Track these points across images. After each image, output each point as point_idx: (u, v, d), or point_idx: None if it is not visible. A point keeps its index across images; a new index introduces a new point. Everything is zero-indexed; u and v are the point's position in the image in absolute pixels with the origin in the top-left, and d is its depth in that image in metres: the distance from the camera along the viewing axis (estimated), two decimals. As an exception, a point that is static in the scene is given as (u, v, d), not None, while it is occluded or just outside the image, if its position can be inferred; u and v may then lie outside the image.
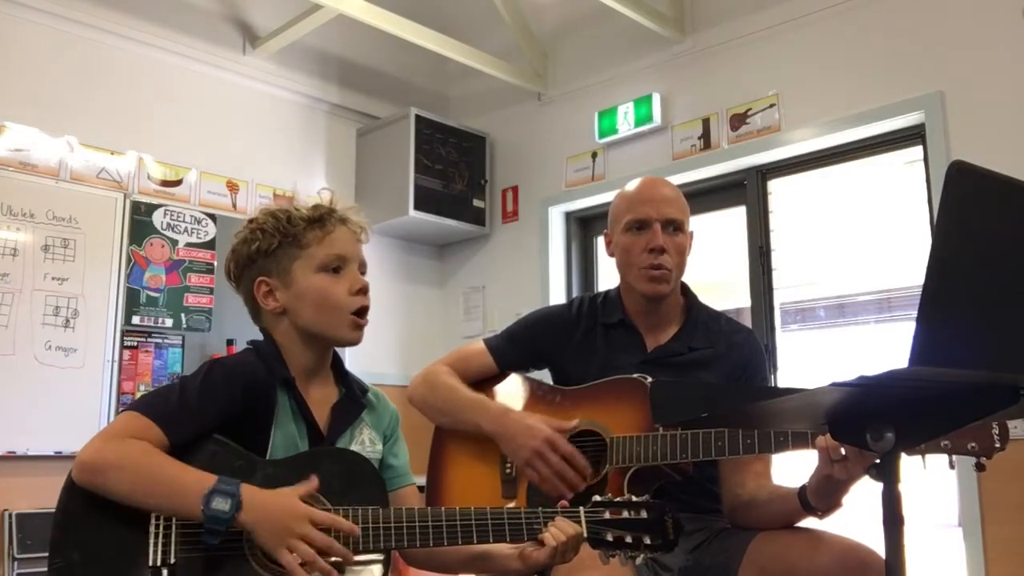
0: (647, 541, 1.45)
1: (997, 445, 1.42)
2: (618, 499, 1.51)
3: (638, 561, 1.45)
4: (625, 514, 1.48)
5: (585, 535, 1.47)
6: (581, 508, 1.50)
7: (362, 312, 1.53)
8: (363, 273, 1.57)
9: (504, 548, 1.53)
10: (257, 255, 1.53)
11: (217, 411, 1.42)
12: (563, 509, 1.51)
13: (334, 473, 1.44)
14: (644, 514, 1.47)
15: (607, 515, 1.48)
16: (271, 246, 1.52)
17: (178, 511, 1.31)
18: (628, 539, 1.45)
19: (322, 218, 1.53)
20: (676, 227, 1.86)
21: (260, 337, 1.58)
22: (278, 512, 1.31)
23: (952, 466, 1.43)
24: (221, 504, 1.28)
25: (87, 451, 1.33)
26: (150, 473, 1.32)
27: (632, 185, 1.94)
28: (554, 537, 1.45)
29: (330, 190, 1.66)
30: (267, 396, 1.48)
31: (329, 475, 1.43)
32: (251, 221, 1.57)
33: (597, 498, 1.52)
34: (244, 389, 1.45)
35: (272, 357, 1.52)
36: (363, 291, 1.54)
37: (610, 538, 1.46)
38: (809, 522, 1.62)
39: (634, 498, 1.50)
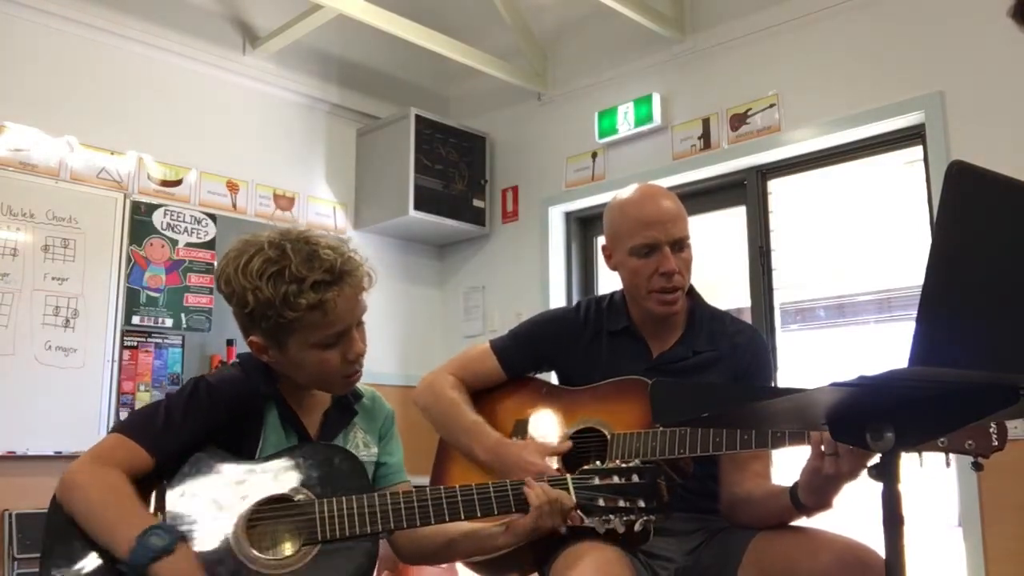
0: (642, 504, 1.44)
1: (995, 444, 1.42)
2: (608, 465, 1.49)
3: (637, 527, 1.44)
4: (616, 479, 1.47)
5: (575, 502, 1.46)
6: (568, 476, 1.50)
7: (355, 373, 1.52)
8: (363, 315, 1.51)
9: (489, 525, 1.53)
10: (252, 316, 1.45)
11: (202, 428, 1.44)
12: (551, 477, 1.51)
13: (316, 467, 1.44)
14: (636, 478, 1.46)
15: (596, 481, 1.47)
16: (266, 317, 1.42)
17: (112, 539, 1.30)
18: (622, 503, 1.44)
19: (322, 303, 1.41)
20: (683, 244, 1.85)
21: None
22: None
23: (948, 464, 1.43)
24: (156, 540, 1.28)
25: (69, 469, 1.37)
26: (104, 501, 1.33)
27: (631, 199, 1.89)
28: (536, 496, 1.45)
29: (344, 240, 1.56)
30: (254, 410, 1.49)
31: (311, 469, 1.44)
32: (247, 264, 1.43)
33: (586, 466, 1.50)
34: (229, 405, 1.46)
35: (259, 372, 1.52)
36: (358, 357, 1.50)
37: (602, 503, 1.45)
38: (807, 522, 1.62)
39: (624, 464, 1.49)
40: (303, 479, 1.42)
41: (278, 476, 1.42)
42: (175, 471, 1.40)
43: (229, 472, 1.41)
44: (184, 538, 1.32)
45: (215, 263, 3.86)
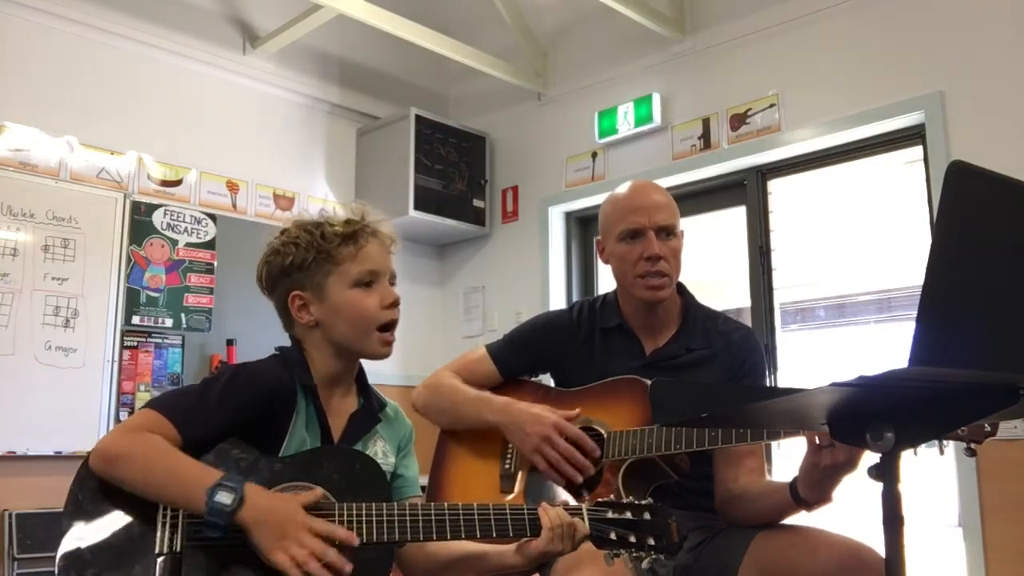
0: (651, 543, 1.45)
1: (987, 429, 1.42)
2: (623, 501, 1.51)
3: (644, 564, 1.45)
4: (628, 515, 1.48)
5: (588, 533, 1.47)
6: (584, 506, 1.51)
7: (392, 325, 1.57)
8: (393, 283, 1.60)
9: (501, 545, 1.54)
10: (291, 268, 1.54)
11: (234, 414, 1.45)
12: (566, 507, 1.51)
13: (338, 471, 1.46)
14: (647, 516, 1.48)
15: (610, 514, 1.49)
16: (305, 261, 1.53)
17: (183, 503, 1.34)
18: (632, 539, 1.46)
19: (355, 234, 1.55)
20: (669, 232, 1.86)
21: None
22: (279, 516, 1.33)
23: (942, 452, 1.43)
24: (224, 498, 1.30)
25: (104, 440, 1.39)
26: (159, 465, 1.35)
27: (621, 192, 1.93)
28: (551, 519, 1.46)
29: (362, 203, 1.66)
30: (287, 402, 1.51)
31: (333, 472, 1.45)
32: (283, 233, 1.58)
33: (601, 499, 1.52)
34: (266, 395, 1.48)
35: (298, 365, 1.54)
36: (394, 304, 1.56)
37: (613, 536, 1.46)
38: (805, 519, 1.63)
39: (638, 502, 1.50)
40: (325, 480, 1.43)
41: (301, 475, 1.43)
42: (197, 457, 1.41)
43: (253, 467, 1.42)
44: (245, 480, 1.35)
45: (215, 263, 3.86)
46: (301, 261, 1.53)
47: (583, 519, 1.49)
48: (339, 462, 1.47)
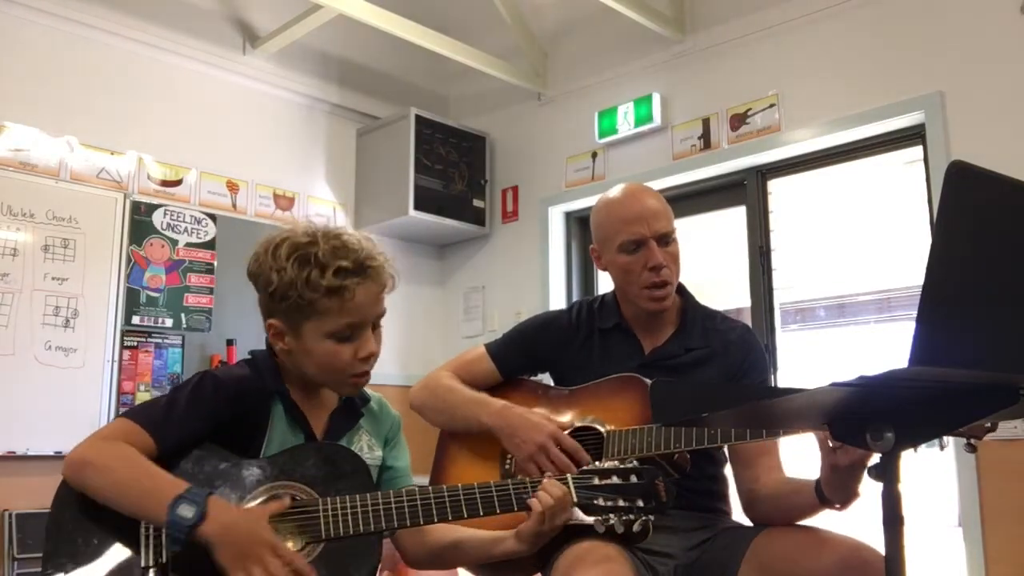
0: (640, 504, 1.45)
1: (988, 425, 1.41)
2: (607, 465, 1.51)
3: (636, 527, 1.45)
4: (615, 479, 1.48)
5: (575, 501, 1.47)
6: (568, 475, 1.51)
7: (364, 374, 1.52)
8: (379, 324, 1.53)
9: (500, 531, 1.54)
10: (273, 297, 1.47)
11: (205, 421, 1.44)
12: (550, 477, 1.52)
13: (319, 466, 1.45)
14: (634, 479, 1.48)
15: (596, 481, 1.48)
16: (286, 297, 1.44)
17: (144, 514, 1.32)
18: (621, 502, 1.45)
19: (341, 289, 1.44)
20: (668, 238, 1.86)
21: (262, 341, 1.59)
22: (241, 533, 1.30)
23: (942, 448, 1.43)
24: (185, 511, 1.28)
25: (75, 449, 1.37)
26: (126, 474, 1.33)
27: (615, 199, 1.92)
28: (541, 501, 1.46)
29: (368, 237, 1.58)
30: (260, 406, 1.49)
31: (314, 468, 1.44)
32: (277, 247, 1.47)
33: (585, 466, 1.52)
34: (233, 401, 1.46)
35: (268, 369, 1.52)
36: (369, 357, 1.50)
37: (601, 503, 1.46)
38: (813, 519, 1.62)
39: (623, 465, 1.50)
40: (306, 478, 1.43)
41: (280, 474, 1.42)
42: (176, 468, 1.40)
43: (231, 470, 1.41)
44: (211, 493, 1.33)
45: (215, 263, 3.86)
46: (283, 295, 1.44)
47: (569, 488, 1.48)
48: (319, 457, 1.46)
